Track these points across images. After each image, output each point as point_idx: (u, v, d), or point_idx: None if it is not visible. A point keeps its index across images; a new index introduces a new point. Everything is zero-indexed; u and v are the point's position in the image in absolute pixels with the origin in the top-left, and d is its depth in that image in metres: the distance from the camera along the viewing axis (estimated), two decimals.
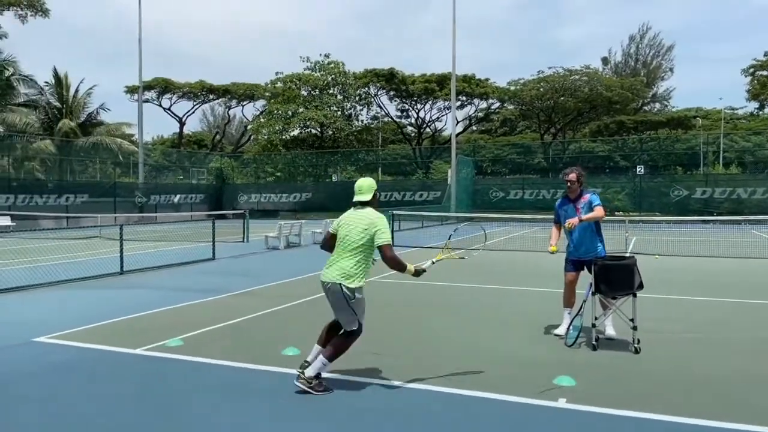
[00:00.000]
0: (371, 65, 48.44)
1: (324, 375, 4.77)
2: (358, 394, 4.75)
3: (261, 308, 8.11)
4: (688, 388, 4.88)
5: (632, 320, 5.96)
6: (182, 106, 69.95)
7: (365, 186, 4.89)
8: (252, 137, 49.51)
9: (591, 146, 43.57)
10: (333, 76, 45.34)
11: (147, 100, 53.84)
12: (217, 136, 62.35)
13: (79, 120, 36.57)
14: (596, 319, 6.08)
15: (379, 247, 4.69)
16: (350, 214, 4.86)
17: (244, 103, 55.79)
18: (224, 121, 63.11)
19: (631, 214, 31.90)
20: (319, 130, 45.59)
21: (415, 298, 9.12)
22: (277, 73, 46.81)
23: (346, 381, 5.02)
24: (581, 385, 4.88)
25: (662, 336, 6.57)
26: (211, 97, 56.15)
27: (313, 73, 45.39)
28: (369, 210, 4.82)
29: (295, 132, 46.15)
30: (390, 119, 52.88)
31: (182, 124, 56.87)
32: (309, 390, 4.58)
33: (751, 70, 39.71)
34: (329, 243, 4.96)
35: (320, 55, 45.63)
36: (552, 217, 7.01)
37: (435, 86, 45.30)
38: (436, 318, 7.70)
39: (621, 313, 6.08)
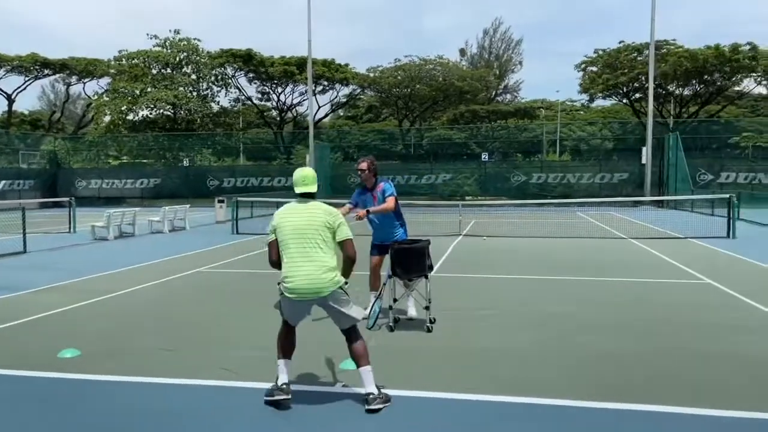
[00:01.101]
0: (231, 46, 46.16)
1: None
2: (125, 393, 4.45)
3: (51, 307, 7.38)
4: (467, 363, 5.17)
5: (429, 301, 6.21)
6: (12, 81, 62.57)
7: (311, 176, 4.38)
8: (93, 117, 45.41)
9: (449, 133, 45.52)
10: (185, 53, 42.92)
11: None
12: (56, 116, 56.57)
13: None
14: (395, 301, 6.26)
15: (343, 242, 4.30)
16: (297, 208, 4.32)
17: (86, 80, 51.03)
18: (63, 99, 57.31)
19: (478, 198, 33.92)
20: (171, 111, 43.01)
21: (242, 289, 8.85)
22: (120, 51, 43.36)
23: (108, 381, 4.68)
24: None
25: (460, 314, 6.95)
26: (45, 72, 50.57)
27: (163, 50, 42.64)
28: (318, 202, 4.38)
29: (144, 112, 43.14)
30: (250, 102, 51.30)
31: (11, 101, 50.78)
32: (386, 404, 4.18)
33: (583, 65, 43.66)
34: (277, 253, 4.33)
35: (170, 31, 42.98)
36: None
37: (295, 69, 44.53)
38: (251, 309, 7.51)
39: (420, 294, 6.33)
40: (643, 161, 29.17)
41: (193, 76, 43.82)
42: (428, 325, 6.14)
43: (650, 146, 28.97)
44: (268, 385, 4.57)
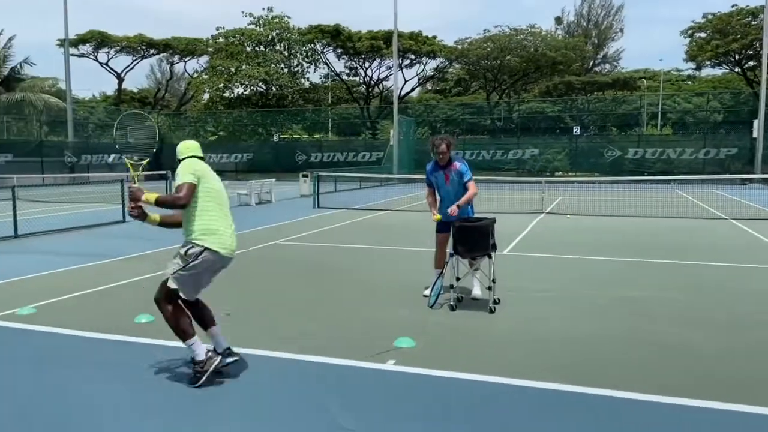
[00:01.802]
0: (319, 21, 46.87)
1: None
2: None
3: (141, 273, 7.88)
4: (525, 349, 4.97)
5: (493, 281, 6.03)
6: (121, 61, 66.91)
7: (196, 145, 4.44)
8: (193, 95, 47.81)
9: (540, 106, 43.88)
10: (277, 31, 44.03)
11: (83, 55, 51.31)
12: (161, 93, 60.11)
13: (1, 75, 34.52)
14: (458, 279, 6.13)
15: None
16: (207, 166, 4.30)
17: (187, 59, 53.73)
18: (166, 77, 60.71)
19: (568, 174, 32.57)
20: (263, 88, 44.45)
21: (314, 262, 9.04)
22: (218, 28, 45.15)
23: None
24: (419, 347, 4.92)
25: (526, 295, 6.70)
26: (151, 51, 53.77)
27: (257, 28, 43.95)
28: None
29: (239, 90, 44.91)
30: (338, 78, 51.90)
31: (121, 80, 54.51)
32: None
33: (690, 31, 40.33)
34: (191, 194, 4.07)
35: (263, 9, 44.13)
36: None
37: (381, 43, 44.45)
38: (318, 282, 7.64)
39: (484, 274, 6.16)
40: (755, 135, 26.67)
41: (285, 53, 44.93)
42: (491, 305, 5.97)
43: (762, 118, 26.42)
44: (316, 359, 4.64)
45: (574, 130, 32.98)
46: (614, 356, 4.74)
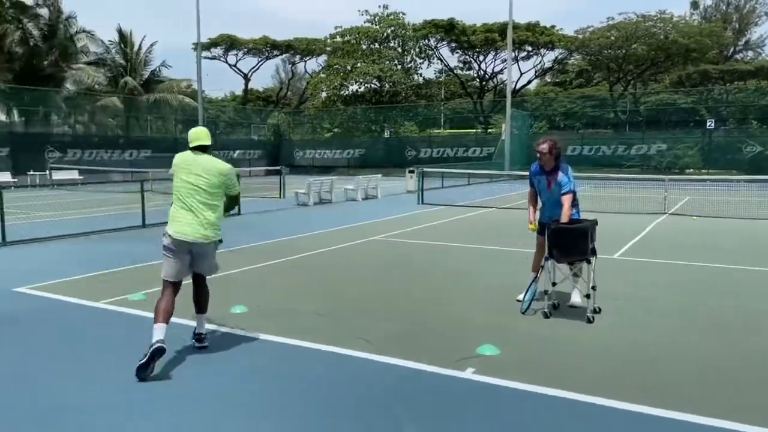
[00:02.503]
0: (432, 16, 46.77)
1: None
2: (279, 355, 4.75)
3: (237, 266, 8.21)
4: (621, 365, 4.53)
5: (593, 288, 5.59)
6: (248, 62, 71.02)
7: (203, 133, 4.73)
8: (312, 93, 49.72)
9: (672, 98, 40.58)
10: (392, 28, 44.50)
11: (214, 57, 55.18)
12: (282, 92, 63.11)
13: (142, 77, 37.97)
14: (553, 285, 5.74)
15: (235, 196, 4.93)
16: (192, 157, 4.65)
17: (307, 58, 55.96)
18: (288, 76, 63.61)
19: (700, 171, 29.88)
20: (377, 84, 45.16)
21: (408, 259, 8.96)
22: (336, 28, 46.50)
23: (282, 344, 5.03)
24: (503, 356, 4.65)
25: (633, 305, 6.14)
26: (275, 53, 56.65)
27: (373, 26, 44.72)
28: (211, 156, 4.72)
29: (354, 87, 45.98)
30: (451, 73, 51.42)
31: (247, 80, 57.90)
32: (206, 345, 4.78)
33: None
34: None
35: (379, 6, 44.81)
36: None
37: (497, 36, 43.37)
38: (409, 280, 7.54)
39: (585, 280, 5.72)
40: None
41: (399, 50, 45.32)
42: (589, 315, 5.52)
43: None
44: (393, 361, 4.52)
45: (708, 124, 30.07)
46: (729, 380, 4.17)
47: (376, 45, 44.95)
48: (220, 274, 6.98)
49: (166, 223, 4.69)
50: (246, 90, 60.14)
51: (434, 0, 70.51)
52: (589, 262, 5.51)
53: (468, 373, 4.31)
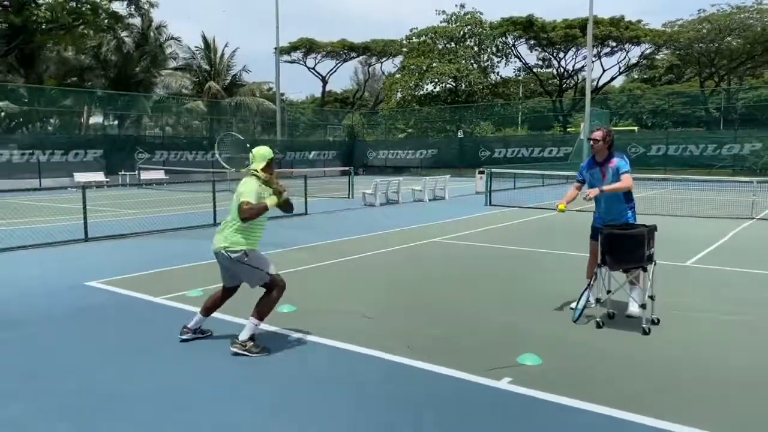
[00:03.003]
0: (510, 13, 45.80)
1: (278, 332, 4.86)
2: (320, 357, 4.81)
3: (292, 265, 8.37)
4: (675, 383, 4.22)
5: (651, 297, 5.26)
6: (326, 65, 72.67)
7: (257, 155, 4.83)
8: (387, 94, 50.09)
9: None
10: (469, 26, 44.01)
11: (294, 61, 56.85)
12: (358, 93, 64.00)
13: (225, 82, 39.68)
14: (608, 293, 5.45)
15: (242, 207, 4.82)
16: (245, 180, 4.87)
17: (383, 59, 56.49)
18: (365, 78, 64.45)
19: None
20: (453, 84, 44.79)
21: (464, 263, 8.82)
22: (411, 29, 46.59)
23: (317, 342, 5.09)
24: (545, 366, 4.47)
25: (698, 317, 5.72)
26: (352, 55, 57.62)
27: (449, 25, 44.42)
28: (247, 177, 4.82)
29: (429, 87, 45.84)
30: (530, 71, 50.14)
31: (325, 82, 59.19)
32: (245, 353, 4.71)
33: None
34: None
35: (455, 6, 44.43)
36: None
37: (577, 32, 41.87)
38: (462, 284, 7.40)
39: (641, 288, 5.40)
40: None
41: (475, 49, 44.73)
42: (644, 326, 5.19)
43: None
44: (427, 366, 4.45)
45: None
46: None
47: (452, 44, 44.62)
48: (297, 268, 7.09)
49: None
50: (323, 92, 61.49)
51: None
52: (645, 269, 5.19)
53: (503, 383, 4.17)
